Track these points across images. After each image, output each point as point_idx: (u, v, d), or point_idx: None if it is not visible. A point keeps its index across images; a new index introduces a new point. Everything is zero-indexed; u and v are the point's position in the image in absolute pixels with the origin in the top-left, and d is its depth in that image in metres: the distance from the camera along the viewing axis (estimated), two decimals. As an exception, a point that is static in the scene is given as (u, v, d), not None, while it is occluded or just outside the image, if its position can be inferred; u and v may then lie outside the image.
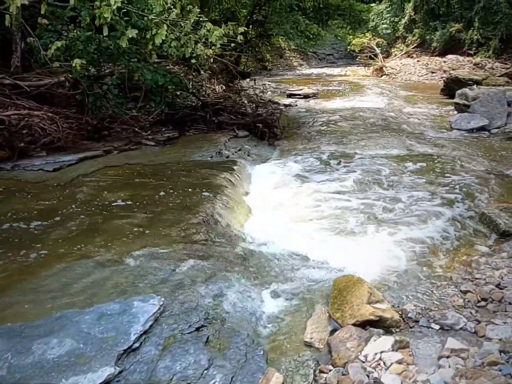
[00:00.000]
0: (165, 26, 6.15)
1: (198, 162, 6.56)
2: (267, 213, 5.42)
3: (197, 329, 2.74)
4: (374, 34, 27.56)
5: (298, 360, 2.61)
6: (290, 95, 17.04)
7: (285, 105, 14.56)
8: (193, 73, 9.90)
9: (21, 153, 6.34)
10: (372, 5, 29.59)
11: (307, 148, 8.53)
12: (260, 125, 8.64)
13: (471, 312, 3.19)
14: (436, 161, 7.21)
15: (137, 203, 4.81)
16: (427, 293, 3.52)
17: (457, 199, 5.50)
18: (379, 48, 26.00)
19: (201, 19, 7.69)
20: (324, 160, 7.56)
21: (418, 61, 24.65)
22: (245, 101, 10.33)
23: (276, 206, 5.62)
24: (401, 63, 24.99)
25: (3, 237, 3.93)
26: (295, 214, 5.31)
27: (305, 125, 11.00)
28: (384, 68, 24.59)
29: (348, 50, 30.88)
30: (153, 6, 6.47)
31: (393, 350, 2.63)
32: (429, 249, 4.32)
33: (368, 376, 2.44)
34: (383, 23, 29.09)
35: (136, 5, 6.77)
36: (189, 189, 5.29)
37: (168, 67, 9.23)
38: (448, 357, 2.64)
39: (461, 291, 3.48)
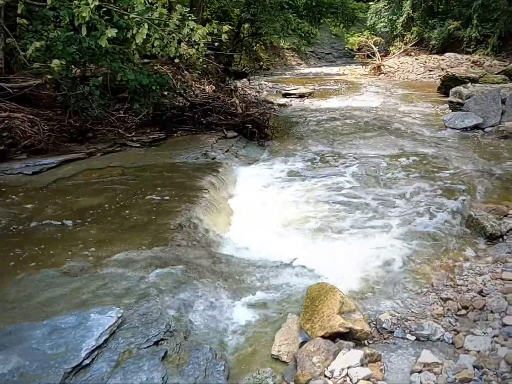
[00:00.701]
0: (146, 25, 6.00)
1: (181, 164, 6.41)
2: (249, 217, 5.25)
3: (156, 343, 2.59)
4: (372, 32, 27.40)
5: (257, 377, 2.46)
6: (285, 95, 16.88)
7: (280, 105, 14.42)
8: (182, 73, 9.75)
9: (1, 156, 6.19)
10: (370, 3, 29.48)
11: (297, 149, 8.38)
12: (250, 125, 8.48)
13: (450, 321, 3.04)
14: (426, 161, 7.05)
15: (112, 208, 4.66)
16: (406, 301, 3.37)
17: (445, 201, 5.34)
18: (377, 47, 25.83)
19: (185, 17, 7.57)
20: (312, 161, 7.42)
21: (416, 59, 24.45)
22: (237, 101, 10.16)
23: (260, 209, 5.45)
24: (399, 61, 24.82)
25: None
26: (278, 217, 5.15)
27: (297, 125, 10.85)
28: (381, 66, 24.42)
29: (346, 48, 30.83)
30: (135, 5, 6.31)
31: (361, 365, 2.48)
32: (412, 254, 4.15)
33: (331, 395, 2.29)
34: (381, 22, 28.95)
35: (118, 4, 6.62)
36: (168, 193, 5.14)
37: (156, 67, 9.09)
38: (420, 371, 2.50)
39: (441, 298, 3.33)
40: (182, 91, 8.20)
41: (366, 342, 2.82)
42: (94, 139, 7.52)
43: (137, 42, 6.00)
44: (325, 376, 2.45)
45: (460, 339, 2.83)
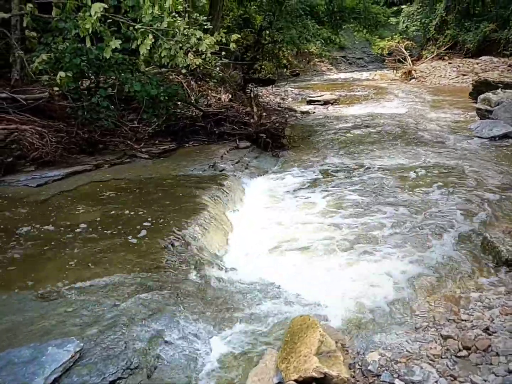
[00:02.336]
0: (150, 36, 5.91)
1: (187, 176, 6.25)
2: (249, 235, 5.03)
3: (112, 382, 2.40)
4: (403, 36, 26.68)
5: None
6: (310, 102, 16.58)
7: (302, 112, 14.14)
8: (198, 83, 9.64)
9: (10, 168, 6.21)
10: (402, 7, 28.80)
11: (312, 160, 8.09)
12: (264, 135, 8.26)
13: (447, 365, 2.70)
14: (445, 174, 6.63)
15: (104, 224, 4.52)
16: (401, 337, 3.04)
17: (460, 220, 4.94)
18: (408, 51, 25.11)
19: (200, 26, 7.44)
20: (323, 173, 7.12)
21: (449, 63, 23.60)
22: (254, 109, 9.96)
23: (261, 227, 5.22)
24: (431, 66, 24.00)
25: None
26: (277, 236, 4.88)
27: (316, 134, 10.54)
28: (412, 71, 23.68)
29: (376, 53, 30.15)
30: (142, 16, 6.24)
31: (332, 418, 2.19)
32: (415, 282, 3.80)
33: None
34: (413, 25, 28.16)
35: (126, 15, 6.57)
36: (165, 208, 4.97)
37: (171, 77, 9.02)
38: (400, 429, 2.18)
39: (441, 335, 2.98)
40: (193, 101, 8.06)
41: (346, 388, 2.52)
42: (106, 150, 7.48)
43: (141, 52, 5.92)
44: (291, 430, 2.18)
45: (455, 387, 2.50)
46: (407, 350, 2.87)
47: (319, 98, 16.83)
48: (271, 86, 20.82)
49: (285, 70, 20.58)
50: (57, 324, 2.86)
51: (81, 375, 2.42)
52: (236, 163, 7.31)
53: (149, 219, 4.68)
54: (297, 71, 30.95)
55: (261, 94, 17.36)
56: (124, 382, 2.44)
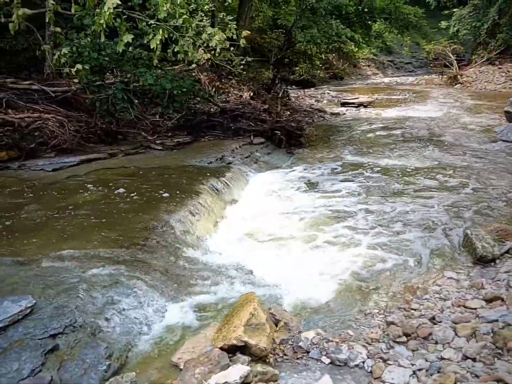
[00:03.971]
0: (160, 31, 6.18)
1: (192, 167, 6.47)
2: (239, 223, 5.16)
3: (52, 335, 2.60)
4: (451, 40, 25.79)
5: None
6: (343, 104, 16.45)
7: (332, 114, 14.09)
8: (222, 80, 9.89)
9: (32, 154, 6.69)
10: (454, 10, 27.89)
11: (325, 158, 8.10)
12: (278, 132, 8.36)
13: (381, 348, 2.71)
14: (456, 174, 6.47)
15: (99, 205, 4.81)
16: (347, 321, 3.07)
17: (453, 218, 4.83)
18: (455, 55, 24.25)
19: (227, 25, 7.66)
20: (332, 171, 7.12)
21: (499, 68, 22.61)
22: (279, 108, 10.08)
23: (253, 217, 5.34)
24: (479, 71, 23.08)
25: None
26: (269, 226, 4.99)
27: (339, 134, 10.50)
28: (458, 76, 22.88)
29: (424, 58, 29.32)
30: (158, 13, 6.52)
31: (242, 382, 2.28)
32: (384, 271, 3.79)
33: (189, 409, 2.13)
34: (464, 29, 27.18)
35: (145, 12, 6.90)
36: (161, 194, 5.19)
37: (194, 73, 9.31)
38: (306, 398, 2.24)
39: (386, 321, 2.98)
40: (208, 96, 8.29)
41: (271, 359, 2.59)
42: (125, 140, 7.88)
43: (151, 47, 6.20)
44: (200, 389, 2.29)
45: (380, 368, 2.51)
46: (347, 333, 2.90)
47: (353, 101, 16.67)
48: (309, 88, 21.00)
49: (318, 72, 20.35)
50: (23, 284, 3.11)
51: (26, 327, 2.64)
52: (246, 157, 7.47)
53: (141, 203, 4.92)
54: (341, 75, 30.76)
55: (296, 95, 17.50)
56: (64, 336, 2.64)
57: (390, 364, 2.56)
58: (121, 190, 5.26)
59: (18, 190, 5.35)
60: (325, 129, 11.26)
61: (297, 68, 14.63)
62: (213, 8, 9.21)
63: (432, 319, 2.93)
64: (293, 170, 7.23)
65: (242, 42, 6.67)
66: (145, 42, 6.34)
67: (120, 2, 5.85)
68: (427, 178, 6.40)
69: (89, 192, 5.33)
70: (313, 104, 16.49)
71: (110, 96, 6.81)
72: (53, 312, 2.80)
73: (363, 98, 17.57)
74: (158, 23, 6.29)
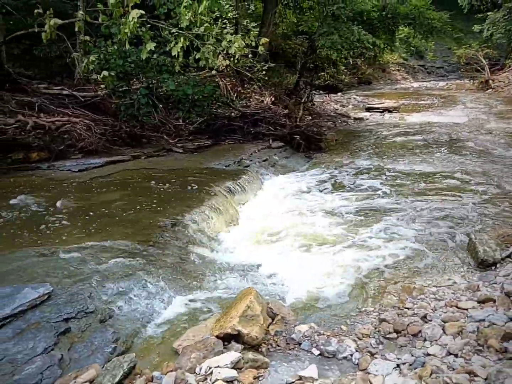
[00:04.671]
0: (182, 39, 6.46)
1: (209, 169, 6.71)
2: (252, 223, 5.36)
3: (66, 319, 2.87)
4: (483, 44, 25.27)
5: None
6: (368, 109, 16.44)
7: (356, 119, 14.12)
8: (245, 86, 10.13)
9: (60, 155, 7.09)
10: (488, 13, 27.34)
11: (343, 162, 8.19)
12: (297, 136, 8.52)
13: (371, 343, 2.84)
14: (474, 180, 6.48)
15: (120, 203, 5.09)
16: (340, 318, 3.20)
17: (462, 222, 4.89)
18: (487, 60, 23.76)
19: (249, 31, 7.87)
20: (348, 174, 7.23)
21: (533, 73, 22.02)
22: (300, 113, 10.22)
23: (266, 218, 5.52)
24: None
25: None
26: (277, 227, 5.15)
27: (359, 139, 10.55)
28: (490, 81, 22.40)
29: (455, 62, 28.82)
30: (181, 21, 6.80)
31: (232, 368, 2.46)
32: (387, 272, 3.90)
33: (181, 388, 2.33)
34: (498, 32, 26.60)
35: (168, 20, 7.22)
36: (177, 195, 5.46)
37: (216, 79, 9.59)
38: (290, 383, 2.40)
39: (379, 319, 3.10)
40: (229, 101, 8.53)
41: (264, 349, 2.77)
42: (148, 143, 8.22)
43: (173, 54, 6.48)
44: (194, 372, 2.48)
45: (366, 361, 2.64)
46: (340, 328, 3.04)
47: (378, 106, 16.63)
48: (336, 93, 21.03)
49: (343, 77, 20.34)
50: (42, 273, 3.39)
51: (43, 312, 2.91)
52: (264, 161, 7.66)
53: (159, 203, 5.19)
54: (369, 80, 30.61)
55: (321, 100, 17.59)
56: (77, 321, 2.90)
57: (377, 358, 2.69)
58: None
59: (46, 189, 5.71)
60: (346, 134, 11.33)
61: (322, 74, 14.70)
62: (236, 16, 9.46)
63: (424, 317, 3.04)
64: (309, 174, 7.37)
65: (261, 49, 6.87)
66: (167, 49, 6.62)
67: (144, 12, 6.15)
68: (443, 183, 6.42)
69: (110, 191, 5.64)
70: (337, 109, 16.55)
71: (134, 101, 7.13)
72: (68, 299, 3.07)
73: (389, 103, 17.49)
74: (180, 31, 6.57)
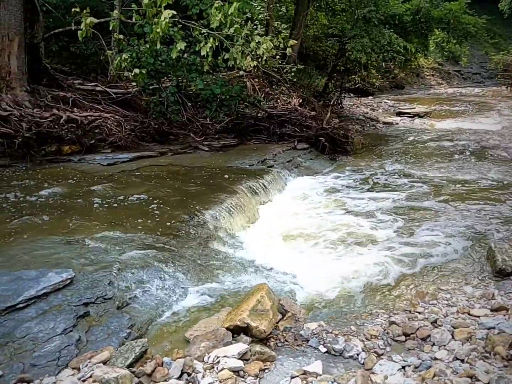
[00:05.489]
0: (211, 39, 6.59)
1: (233, 168, 6.82)
2: (271, 223, 5.43)
3: (85, 304, 3.01)
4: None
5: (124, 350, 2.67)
6: (399, 113, 16.26)
7: (385, 123, 13.99)
8: (273, 87, 10.21)
9: (91, 149, 7.36)
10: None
11: (368, 166, 8.17)
12: (323, 139, 8.53)
13: (379, 344, 2.87)
14: (500, 189, 6.35)
15: (145, 197, 5.25)
16: (352, 318, 3.24)
17: (484, 230, 4.83)
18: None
19: (280, 32, 7.95)
20: (370, 179, 7.21)
21: None
22: (328, 115, 10.21)
23: (287, 217, 5.59)
24: (551, 83, 21.82)
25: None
26: (295, 227, 5.21)
27: (387, 143, 10.47)
28: (528, 88, 21.76)
29: (491, 68, 28.09)
30: (212, 21, 6.95)
31: (239, 359, 2.54)
32: (402, 276, 3.92)
33: (188, 374, 2.42)
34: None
35: (200, 21, 7.38)
36: (200, 192, 5.58)
37: (245, 80, 9.71)
38: (293, 377, 2.47)
39: (389, 321, 3.12)
40: (255, 101, 8.62)
41: (272, 343, 2.84)
42: (176, 141, 8.41)
43: (202, 54, 6.63)
44: (203, 360, 2.57)
45: (372, 361, 2.67)
46: (349, 328, 3.08)
47: (409, 111, 16.42)
48: (367, 96, 20.86)
49: (374, 80, 20.14)
50: (67, 260, 3.57)
51: (65, 295, 3.07)
52: (288, 162, 7.72)
53: (181, 198, 5.33)
54: (402, 84, 30.18)
55: (352, 103, 17.50)
56: (96, 306, 3.04)
57: (383, 359, 2.72)
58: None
59: (76, 181, 5.95)
60: (374, 138, 11.25)
61: (353, 77, 14.64)
62: (267, 17, 9.55)
63: (434, 322, 3.04)
64: (332, 176, 7.39)
65: (289, 50, 6.94)
66: (197, 49, 6.78)
67: (175, 12, 6.33)
68: (468, 191, 6.33)
69: (136, 185, 5.82)
70: (367, 113, 16.43)
71: (164, 98, 7.32)
72: (89, 285, 3.22)
73: (420, 109, 17.25)
74: (210, 31, 6.71)
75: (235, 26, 7.05)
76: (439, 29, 11.17)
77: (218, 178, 6.28)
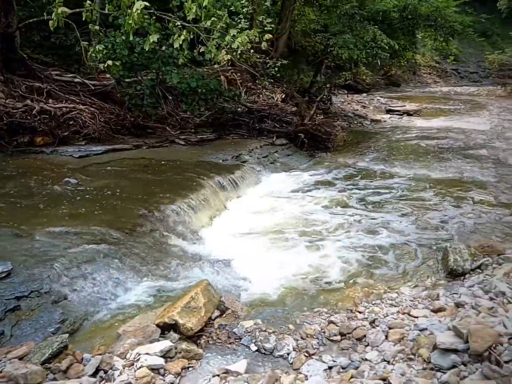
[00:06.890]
0: (184, 32, 6.50)
1: (206, 163, 6.75)
2: (236, 218, 5.37)
3: (18, 297, 2.96)
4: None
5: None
6: (388, 111, 16.19)
7: (372, 120, 13.91)
8: (256, 81, 10.12)
9: (65, 141, 7.27)
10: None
11: (345, 163, 8.11)
12: (302, 135, 8.46)
13: (312, 344, 2.83)
14: (474, 189, 6.33)
15: (107, 190, 5.19)
16: (293, 316, 3.20)
17: (449, 230, 4.80)
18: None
19: (265, 27, 7.84)
20: (346, 176, 7.16)
21: None
22: (312, 111, 10.13)
23: (253, 213, 5.54)
24: (546, 83, 21.72)
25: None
26: (259, 223, 5.16)
27: (369, 141, 10.40)
28: (522, 88, 21.65)
29: (488, 67, 27.96)
30: (187, 14, 6.85)
31: (162, 356, 2.49)
32: (351, 275, 3.87)
33: (105, 371, 2.37)
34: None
35: (176, 13, 7.29)
36: (166, 186, 5.51)
37: (227, 74, 9.61)
38: (215, 376, 2.42)
39: (328, 320, 3.08)
40: (234, 96, 8.54)
41: (203, 341, 2.79)
42: (154, 134, 8.32)
43: (175, 46, 6.54)
44: (125, 357, 2.52)
45: (300, 361, 2.63)
46: (287, 326, 3.03)
47: (399, 108, 16.34)
48: (360, 93, 20.78)
49: (364, 77, 20.04)
50: (10, 252, 3.51)
51: (-2, 288, 3.02)
52: (264, 157, 7.66)
53: (144, 192, 5.26)
54: (398, 82, 30.05)
55: (343, 100, 17.42)
56: (29, 300, 2.99)
57: (313, 358, 2.67)
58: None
59: (45, 173, 5.87)
60: (358, 135, 11.18)
61: (344, 73, 14.54)
62: (251, 11, 9.45)
63: (372, 322, 3.00)
64: (307, 173, 7.32)
65: (264, 45, 6.84)
66: (170, 41, 6.69)
67: (148, 4, 6.23)
68: (439, 190, 6.28)
69: (103, 178, 5.76)
70: (357, 110, 16.33)
71: (139, 91, 7.24)
72: (26, 278, 3.17)
73: (411, 106, 17.17)
74: (185, 24, 6.62)
75: (212, 19, 6.96)
76: (426, 26, 11.09)
77: (188, 172, 6.22)
